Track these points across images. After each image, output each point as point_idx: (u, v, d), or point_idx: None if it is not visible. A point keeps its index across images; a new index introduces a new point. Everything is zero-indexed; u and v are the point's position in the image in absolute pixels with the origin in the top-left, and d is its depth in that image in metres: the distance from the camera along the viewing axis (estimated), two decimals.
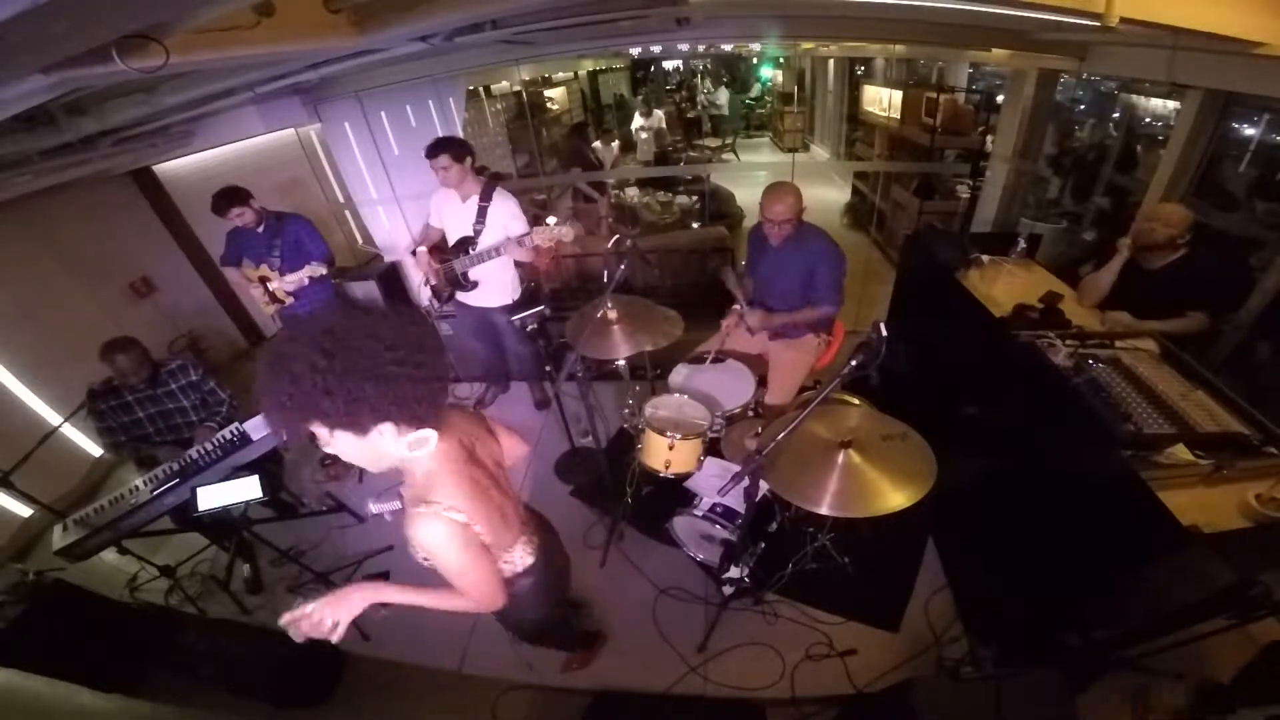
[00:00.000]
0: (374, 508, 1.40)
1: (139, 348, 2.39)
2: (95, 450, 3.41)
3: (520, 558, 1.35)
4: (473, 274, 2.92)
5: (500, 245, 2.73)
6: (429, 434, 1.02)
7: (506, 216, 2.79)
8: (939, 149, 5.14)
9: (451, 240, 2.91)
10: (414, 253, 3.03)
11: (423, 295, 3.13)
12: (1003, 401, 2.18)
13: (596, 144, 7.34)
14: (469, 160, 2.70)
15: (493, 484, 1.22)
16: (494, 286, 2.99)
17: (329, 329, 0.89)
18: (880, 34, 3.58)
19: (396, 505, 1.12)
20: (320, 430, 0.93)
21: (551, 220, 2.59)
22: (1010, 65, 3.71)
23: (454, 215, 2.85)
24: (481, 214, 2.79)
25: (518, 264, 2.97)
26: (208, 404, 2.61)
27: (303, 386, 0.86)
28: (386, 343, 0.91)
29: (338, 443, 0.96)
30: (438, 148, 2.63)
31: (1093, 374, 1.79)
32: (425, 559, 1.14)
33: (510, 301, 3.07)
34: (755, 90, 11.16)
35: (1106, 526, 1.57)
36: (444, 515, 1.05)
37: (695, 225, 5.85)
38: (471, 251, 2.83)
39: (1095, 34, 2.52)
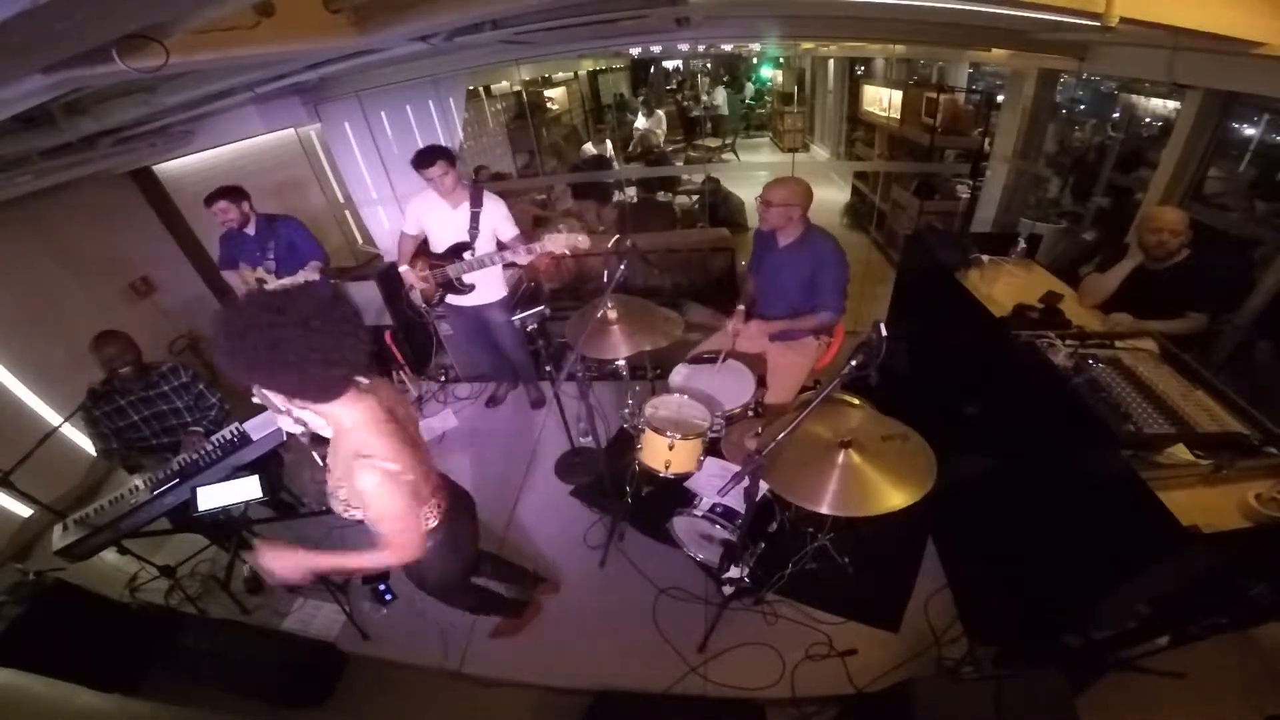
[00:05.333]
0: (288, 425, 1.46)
1: (123, 339, 2.37)
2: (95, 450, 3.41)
3: (425, 519, 1.48)
4: (467, 278, 2.93)
5: (507, 251, 2.72)
6: (321, 413, 1.23)
7: (498, 219, 2.81)
8: (939, 149, 5.14)
9: (442, 247, 2.89)
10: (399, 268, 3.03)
11: (413, 296, 3.10)
12: (1003, 402, 2.18)
13: (640, 117, 8.22)
14: (457, 165, 2.71)
15: (412, 441, 1.38)
16: (486, 285, 2.99)
17: (236, 329, 1.05)
18: (880, 34, 3.59)
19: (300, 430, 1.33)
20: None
21: (564, 228, 2.59)
22: (1010, 65, 3.71)
23: (444, 222, 2.83)
24: (475, 219, 2.78)
25: (518, 264, 2.96)
26: (200, 406, 2.60)
27: (223, 349, 1.06)
28: (276, 344, 1.05)
29: (263, 393, 1.17)
30: (433, 156, 2.60)
31: (1093, 374, 1.79)
32: (348, 509, 1.33)
33: (501, 296, 3.08)
34: (749, 90, 11.15)
35: (1106, 527, 1.57)
36: (379, 465, 1.21)
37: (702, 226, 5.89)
38: (469, 257, 2.83)
39: (1095, 34, 2.52)
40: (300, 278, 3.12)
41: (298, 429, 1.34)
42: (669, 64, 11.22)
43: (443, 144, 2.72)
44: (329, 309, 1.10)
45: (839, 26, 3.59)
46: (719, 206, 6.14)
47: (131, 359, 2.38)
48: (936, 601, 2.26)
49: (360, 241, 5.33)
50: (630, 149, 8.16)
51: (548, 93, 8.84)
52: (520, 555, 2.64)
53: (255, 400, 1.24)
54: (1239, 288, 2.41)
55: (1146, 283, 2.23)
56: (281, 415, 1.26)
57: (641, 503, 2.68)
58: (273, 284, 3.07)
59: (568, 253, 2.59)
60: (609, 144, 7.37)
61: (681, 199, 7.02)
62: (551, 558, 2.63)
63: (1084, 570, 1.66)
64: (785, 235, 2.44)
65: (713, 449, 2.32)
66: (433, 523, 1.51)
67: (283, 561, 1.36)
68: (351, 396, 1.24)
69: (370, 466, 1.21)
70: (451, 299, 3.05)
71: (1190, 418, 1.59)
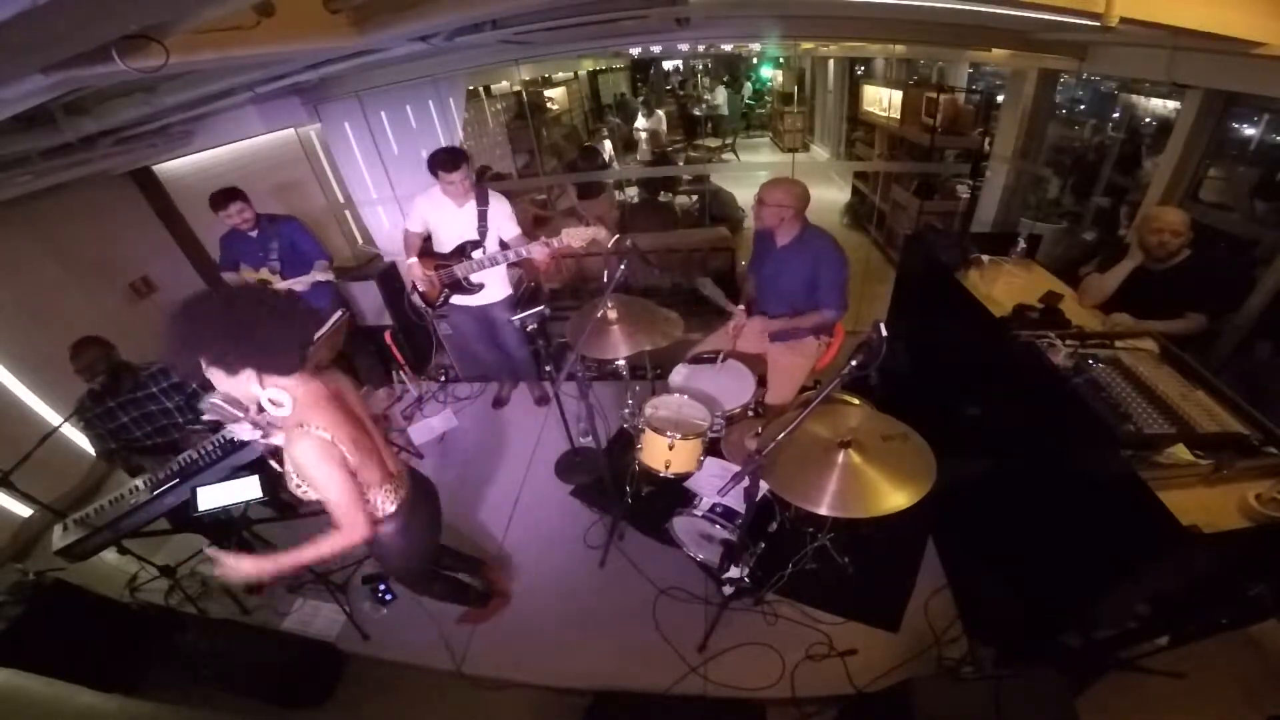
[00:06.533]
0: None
1: (95, 349, 2.35)
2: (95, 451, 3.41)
3: (382, 503, 1.55)
4: (475, 277, 2.92)
5: (523, 249, 2.71)
6: (284, 388, 1.33)
7: (502, 218, 2.82)
8: (939, 149, 5.14)
9: (449, 246, 2.88)
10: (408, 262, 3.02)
11: (415, 299, 3.10)
12: (1003, 402, 2.18)
13: (640, 118, 8.26)
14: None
15: (359, 423, 1.47)
16: (493, 284, 3.00)
17: (203, 310, 1.26)
18: (880, 34, 3.58)
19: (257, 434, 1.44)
20: (204, 364, 1.26)
21: (580, 223, 2.60)
22: (1010, 65, 3.71)
23: (451, 221, 2.83)
24: (483, 217, 2.78)
25: (533, 259, 2.95)
26: (193, 407, 2.58)
27: (185, 336, 1.26)
28: (242, 317, 1.24)
29: (213, 376, 1.29)
30: (459, 160, 2.60)
31: (1093, 374, 1.79)
32: (299, 485, 1.43)
33: (507, 295, 3.08)
34: (747, 90, 11.15)
35: (1106, 527, 1.57)
36: (314, 434, 1.32)
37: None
38: (479, 255, 2.82)
39: (1095, 34, 2.51)
40: (312, 277, 3.12)
41: (256, 434, 1.44)
42: (669, 64, 11.22)
43: (455, 146, 2.72)
44: (281, 300, 1.34)
45: (839, 26, 3.59)
46: (711, 203, 6.15)
47: (104, 369, 2.35)
48: (936, 601, 2.26)
49: (360, 242, 5.33)
50: (640, 156, 8.18)
51: (548, 93, 8.84)
52: (518, 553, 2.65)
53: (206, 416, 1.33)
54: (1239, 288, 2.40)
55: (1147, 283, 2.23)
56: (241, 422, 1.35)
57: (641, 503, 2.68)
58: (279, 284, 3.06)
59: (583, 244, 2.58)
60: (608, 144, 7.36)
61: (682, 199, 7.02)
62: (552, 558, 2.63)
63: (1084, 570, 1.66)
64: (783, 235, 2.44)
65: (713, 449, 2.32)
66: (390, 508, 1.56)
67: (246, 565, 1.46)
68: (304, 375, 1.37)
69: (303, 434, 1.31)
70: (457, 299, 3.04)
71: (1190, 418, 1.59)
